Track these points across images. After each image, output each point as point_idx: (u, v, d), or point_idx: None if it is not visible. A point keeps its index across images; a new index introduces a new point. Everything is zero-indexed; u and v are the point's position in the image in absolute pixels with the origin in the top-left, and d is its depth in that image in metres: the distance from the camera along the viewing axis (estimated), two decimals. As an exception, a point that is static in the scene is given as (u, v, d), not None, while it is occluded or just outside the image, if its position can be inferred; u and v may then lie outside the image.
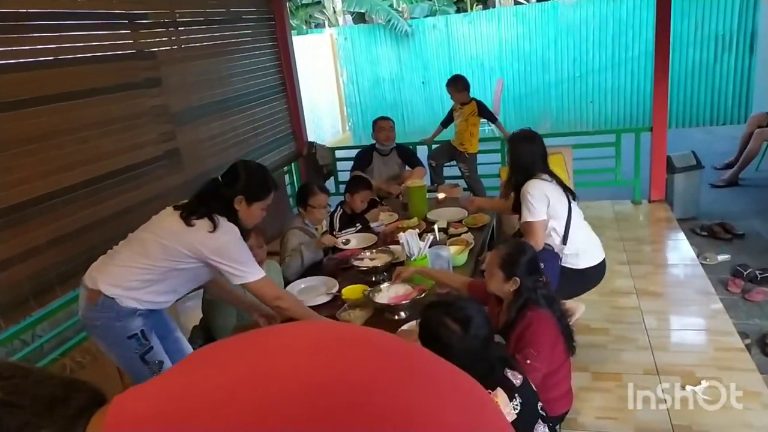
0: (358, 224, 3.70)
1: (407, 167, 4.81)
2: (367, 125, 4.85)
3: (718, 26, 8.52)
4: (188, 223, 2.12)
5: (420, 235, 3.04)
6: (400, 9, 11.29)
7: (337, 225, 3.79)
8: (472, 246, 3.14)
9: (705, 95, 8.85)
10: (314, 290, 2.87)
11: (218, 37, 4.62)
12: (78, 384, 0.78)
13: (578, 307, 3.06)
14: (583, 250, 2.83)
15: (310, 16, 12.55)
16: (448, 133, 5.61)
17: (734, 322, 3.18)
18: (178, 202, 2.27)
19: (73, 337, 2.99)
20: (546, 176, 2.78)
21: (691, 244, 4.25)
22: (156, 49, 3.78)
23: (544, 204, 2.71)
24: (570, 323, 2.24)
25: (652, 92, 5.14)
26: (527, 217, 2.72)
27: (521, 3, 11.79)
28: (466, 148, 5.29)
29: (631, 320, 3.26)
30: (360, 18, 12.35)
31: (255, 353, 0.76)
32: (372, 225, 3.70)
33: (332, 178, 6.06)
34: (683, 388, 2.61)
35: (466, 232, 3.36)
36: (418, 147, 5.65)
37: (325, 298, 2.76)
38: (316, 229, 3.59)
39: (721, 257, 4.09)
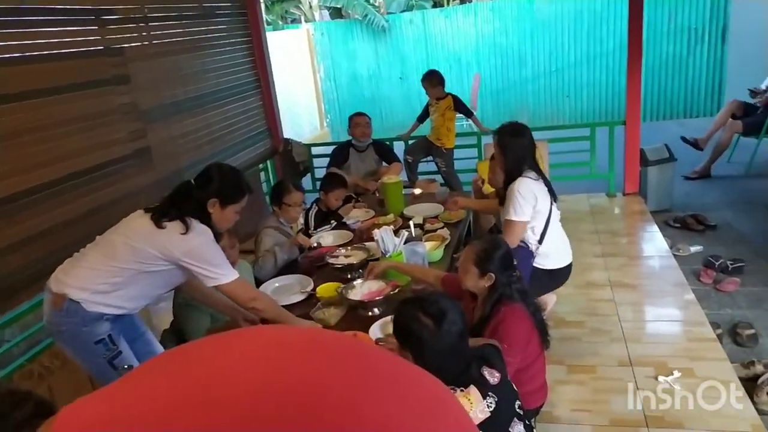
0: (332, 221, 3.67)
1: (384, 163, 4.79)
2: (346, 121, 4.81)
3: (691, 19, 8.63)
4: (159, 225, 2.08)
5: (396, 232, 3.03)
6: (376, 4, 11.24)
7: (312, 223, 3.76)
8: (448, 242, 3.14)
9: (678, 88, 8.97)
10: (289, 289, 2.85)
11: (190, 32, 4.53)
12: (22, 396, 0.75)
13: (550, 299, 3.09)
14: (555, 251, 2.85)
15: (286, 11, 12.42)
16: (425, 129, 5.60)
17: (706, 313, 3.22)
18: (148, 201, 2.24)
19: (43, 341, 2.92)
20: (533, 174, 2.76)
21: (665, 236, 4.30)
22: (125, 46, 3.70)
23: (530, 205, 2.71)
24: (544, 317, 2.25)
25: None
26: (511, 215, 2.72)
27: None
28: (444, 143, 5.29)
29: (605, 312, 3.29)
30: (336, 13, 12.28)
31: (206, 359, 0.74)
32: (347, 222, 3.68)
33: (309, 175, 6.01)
34: (656, 378, 2.64)
35: (442, 228, 3.36)
36: (395, 142, 5.64)
37: (299, 297, 2.73)
38: (291, 228, 3.56)
39: (694, 248, 4.15)
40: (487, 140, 5.26)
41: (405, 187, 4.17)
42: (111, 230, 2.19)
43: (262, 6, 5.98)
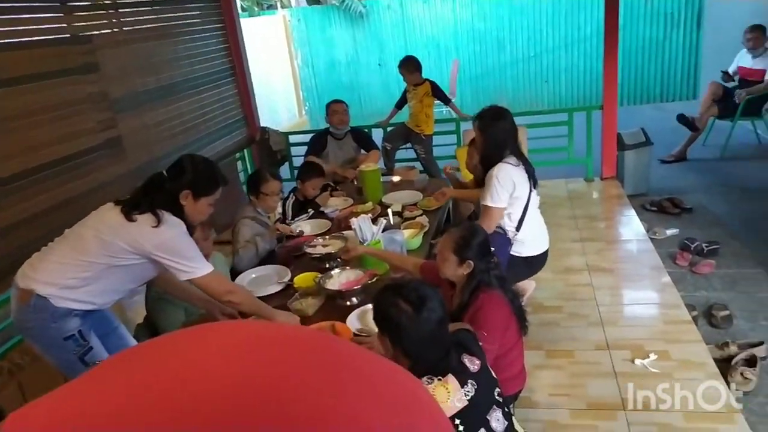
0: (309, 210, 3.63)
1: (362, 151, 4.75)
2: (324, 109, 4.75)
3: (667, 3, 8.66)
4: (129, 218, 2.03)
5: (374, 220, 3.01)
6: (354, -11, 11.10)
7: (289, 213, 3.72)
8: (426, 229, 3.13)
9: (654, 72, 9.02)
10: (266, 280, 2.81)
11: (162, 19, 4.43)
12: None
13: (529, 286, 3.10)
14: (531, 238, 2.85)
15: (262, -3, 12.22)
16: (403, 116, 5.56)
17: (682, 295, 3.26)
18: (121, 193, 2.19)
19: (14, 337, 2.85)
20: (514, 159, 2.74)
21: (641, 219, 4.34)
22: (93, 33, 3.60)
23: (508, 192, 2.69)
24: (522, 303, 2.25)
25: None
26: (488, 201, 2.71)
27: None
28: (423, 130, 5.26)
29: (583, 297, 3.31)
30: (314, -1, 12.11)
31: (166, 356, 0.70)
32: (326, 210, 3.64)
33: (287, 164, 5.94)
34: (633, 361, 2.67)
35: (421, 215, 3.34)
36: (374, 130, 5.60)
37: (276, 288, 2.70)
38: (269, 218, 3.51)
39: (670, 232, 4.19)
40: (466, 126, 5.26)
41: (383, 174, 4.14)
42: (80, 223, 2.13)
43: (237, -9, 5.88)
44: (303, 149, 4.88)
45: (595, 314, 3.12)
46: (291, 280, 2.70)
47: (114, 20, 3.85)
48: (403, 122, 5.43)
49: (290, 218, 3.68)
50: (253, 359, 0.69)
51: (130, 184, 2.25)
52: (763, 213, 4.34)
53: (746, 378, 2.52)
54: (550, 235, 2.98)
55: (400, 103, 5.50)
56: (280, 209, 3.72)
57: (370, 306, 2.00)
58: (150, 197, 2.08)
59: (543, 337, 2.93)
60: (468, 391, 1.61)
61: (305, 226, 3.43)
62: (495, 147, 2.76)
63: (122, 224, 2.02)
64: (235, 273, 2.97)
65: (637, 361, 2.65)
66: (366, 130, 5.13)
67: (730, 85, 5.79)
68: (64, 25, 3.39)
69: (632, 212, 4.49)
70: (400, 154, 5.64)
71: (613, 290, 3.40)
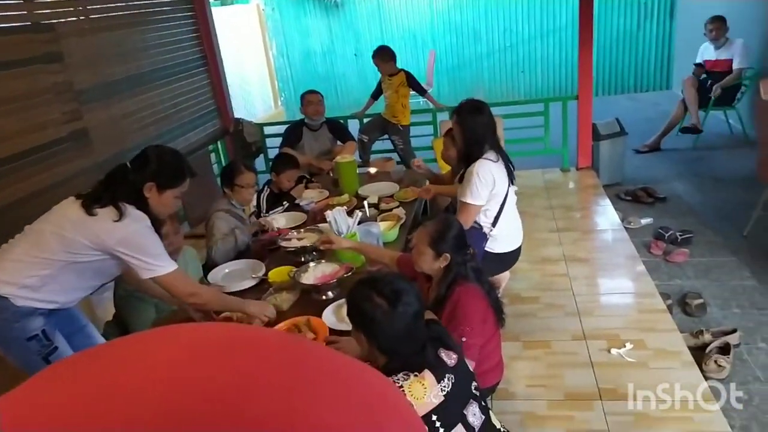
0: (284, 202, 3.57)
1: (338, 142, 4.68)
2: (300, 100, 4.66)
3: (640, -7, 8.74)
4: (90, 212, 1.94)
5: (350, 212, 2.96)
6: (329, -22, 10.96)
7: (264, 206, 3.64)
8: (403, 221, 3.09)
9: (629, 62, 9.10)
10: (240, 274, 2.75)
11: (129, 7, 4.30)
12: None
13: (503, 277, 3.09)
14: (506, 235, 2.82)
15: (236, -15, 11.99)
16: (379, 107, 5.51)
17: (657, 284, 3.29)
18: (87, 187, 2.08)
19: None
20: (494, 155, 2.71)
21: (616, 209, 4.37)
22: (55, 21, 3.47)
23: (488, 189, 2.66)
24: (499, 295, 2.23)
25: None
26: (467, 198, 2.67)
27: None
28: (399, 120, 5.22)
29: (560, 287, 3.32)
30: (288, -12, 11.92)
31: (129, 357, 0.66)
32: (301, 203, 3.58)
33: (262, 155, 5.85)
34: (609, 351, 2.68)
35: (398, 207, 3.31)
36: (350, 121, 5.54)
37: (250, 283, 2.65)
38: (244, 210, 3.44)
39: (644, 221, 4.23)
40: (443, 117, 5.24)
41: (360, 166, 4.09)
42: (40, 219, 2.04)
43: (208, -21, 5.72)
44: (278, 141, 4.80)
45: (572, 304, 3.13)
46: (265, 274, 2.65)
47: (79, 8, 3.72)
48: (380, 113, 5.37)
49: (265, 211, 3.61)
50: (218, 361, 0.66)
51: (97, 177, 2.15)
52: (735, 202, 4.40)
53: (720, 366, 2.55)
54: (527, 226, 2.97)
55: (376, 94, 5.43)
56: (254, 202, 3.65)
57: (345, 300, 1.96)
58: (112, 190, 1.99)
59: (520, 328, 2.92)
60: (445, 386, 1.58)
61: (280, 219, 3.36)
62: (474, 141, 2.72)
63: (82, 219, 1.94)
64: (209, 267, 2.90)
65: (614, 351, 2.66)
66: (342, 122, 5.06)
67: (702, 77, 5.84)
68: (25, 12, 3.26)
69: (607, 202, 4.52)
70: (377, 145, 5.59)
71: (589, 280, 3.42)
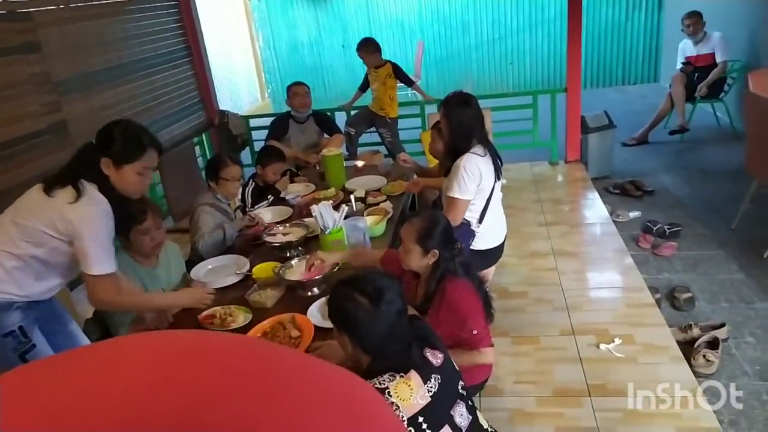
0: (269, 196, 3.51)
1: (325, 135, 4.62)
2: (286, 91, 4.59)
3: (629, -15, 8.72)
4: (49, 195, 1.84)
5: (337, 206, 2.91)
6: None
7: (249, 200, 3.58)
8: (390, 215, 3.04)
9: (617, 55, 9.10)
10: (223, 270, 2.69)
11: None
12: None
13: (488, 273, 3.05)
14: (490, 232, 2.77)
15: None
16: (366, 99, 5.45)
17: (645, 278, 3.28)
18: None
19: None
20: (481, 149, 2.65)
21: (605, 202, 4.36)
22: (32, 10, 3.36)
23: (475, 183, 2.60)
24: (487, 290, 2.20)
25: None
26: (455, 193, 2.61)
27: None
28: (387, 113, 5.16)
29: (548, 282, 3.30)
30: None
31: (78, 372, 0.61)
32: (286, 197, 3.52)
33: (248, 148, 5.77)
34: (597, 346, 2.66)
35: (385, 201, 3.26)
36: (337, 113, 5.47)
37: (234, 279, 2.59)
38: (229, 204, 3.37)
39: (633, 214, 4.22)
40: (431, 110, 5.18)
41: (347, 159, 4.03)
42: (5, 211, 1.96)
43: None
44: (264, 133, 4.73)
45: (560, 299, 3.10)
46: (250, 270, 2.59)
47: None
48: (366, 106, 5.31)
49: (250, 205, 3.55)
50: (181, 372, 0.62)
51: None
52: (722, 194, 4.40)
53: (709, 360, 2.54)
54: (516, 220, 2.94)
55: (364, 86, 5.37)
56: (239, 196, 3.59)
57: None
58: (75, 170, 1.87)
59: (508, 323, 2.90)
60: (431, 387, 1.54)
61: (265, 213, 3.30)
62: (461, 135, 2.67)
63: (40, 203, 1.84)
64: (194, 262, 2.84)
65: (602, 346, 2.64)
66: (329, 114, 4.99)
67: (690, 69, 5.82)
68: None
69: (596, 195, 4.51)
70: (364, 138, 5.53)
71: (577, 274, 3.40)
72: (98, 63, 3.90)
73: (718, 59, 5.52)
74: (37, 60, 3.31)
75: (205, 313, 2.31)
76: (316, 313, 2.21)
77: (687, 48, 5.78)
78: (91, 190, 1.87)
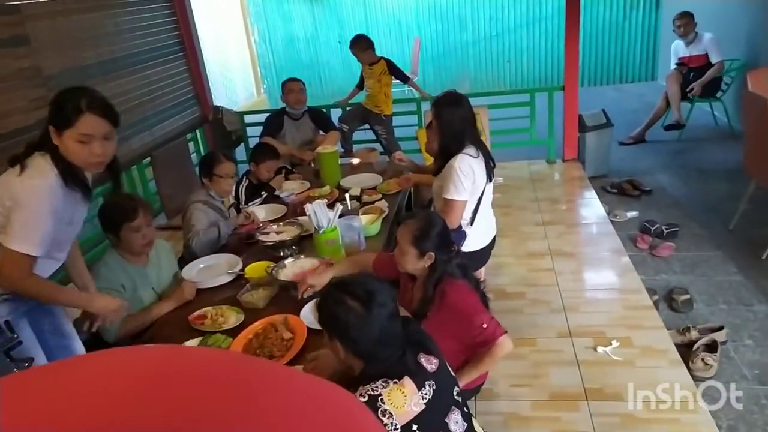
0: (263, 193, 3.46)
1: (321, 132, 4.57)
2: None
3: (627, -17, 8.68)
4: (2, 173, 1.77)
5: (331, 204, 2.87)
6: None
7: (242, 197, 3.53)
8: (386, 214, 3.00)
9: (614, 53, 9.06)
10: (215, 269, 2.64)
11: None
12: None
13: (479, 273, 3.01)
14: (479, 234, 2.71)
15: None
16: (360, 95, 5.40)
17: (643, 279, 3.25)
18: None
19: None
20: (473, 150, 2.60)
21: (602, 201, 4.32)
22: (21, 3, 3.29)
23: (470, 182, 2.55)
24: (484, 291, 2.15)
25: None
26: (452, 194, 2.55)
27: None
28: (382, 110, 5.11)
29: (545, 283, 3.26)
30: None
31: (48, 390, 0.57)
32: (281, 194, 3.47)
33: (242, 145, 5.71)
34: (595, 349, 2.62)
35: (380, 200, 3.21)
36: (333, 110, 5.42)
37: (226, 278, 2.54)
38: (223, 202, 3.32)
39: (630, 214, 4.19)
40: (427, 107, 5.13)
41: (342, 156, 3.98)
42: None
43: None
44: (259, 130, 4.68)
45: (558, 300, 3.07)
46: (242, 269, 2.54)
47: (48, -11, 3.55)
48: (360, 103, 5.27)
49: (243, 203, 3.50)
50: (152, 392, 0.58)
51: None
52: (720, 194, 4.37)
53: (707, 364, 2.51)
54: (513, 219, 2.90)
55: (361, 83, 5.31)
56: (232, 193, 3.54)
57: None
58: (35, 143, 1.78)
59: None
60: (426, 394, 1.50)
61: (259, 211, 3.25)
62: (452, 135, 2.61)
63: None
64: (187, 260, 2.79)
65: (600, 349, 2.61)
66: (324, 110, 4.94)
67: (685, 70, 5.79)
68: (-13, -8, 3.09)
69: (593, 194, 4.47)
70: (360, 135, 5.48)
71: (575, 275, 3.36)
72: (90, 57, 3.83)
73: (713, 60, 5.50)
74: (26, 54, 3.24)
75: (196, 313, 2.27)
76: (309, 315, 2.17)
77: (679, 49, 5.75)
78: (41, 163, 1.76)
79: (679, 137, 5.70)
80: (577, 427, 2.23)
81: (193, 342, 2.05)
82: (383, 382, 1.45)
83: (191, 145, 5.36)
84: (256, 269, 2.52)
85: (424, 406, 1.47)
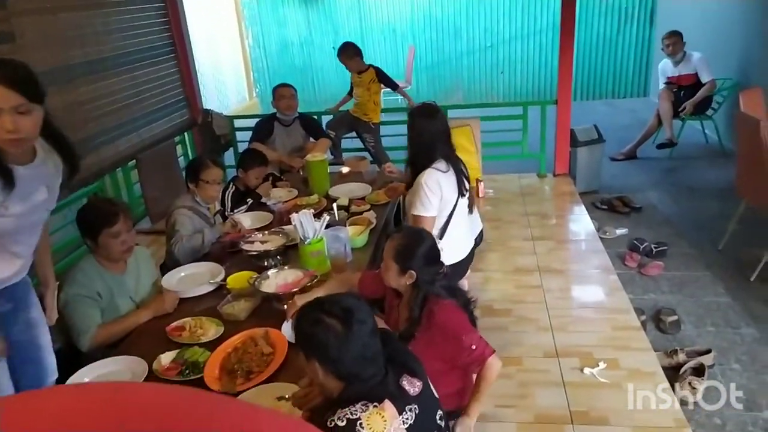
0: (249, 200, 3.40)
1: (311, 138, 4.51)
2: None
3: (621, -2, 8.72)
4: None
5: (319, 214, 2.81)
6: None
7: (228, 204, 3.47)
8: (374, 225, 2.95)
9: (607, 68, 9.10)
10: (197, 278, 2.57)
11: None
12: None
13: (462, 284, 2.96)
14: (454, 248, 2.65)
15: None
16: (348, 103, 5.37)
17: (631, 298, 3.22)
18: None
19: None
20: (443, 165, 2.56)
21: (592, 218, 4.30)
22: (6, -2, 3.22)
23: (437, 198, 2.51)
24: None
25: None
26: (420, 210, 2.52)
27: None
28: (371, 118, 5.08)
29: (533, 300, 3.22)
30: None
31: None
32: (267, 202, 3.41)
33: (231, 149, 5.64)
34: (581, 370, 2.58)
35: (369, 210, 3.16)
36: (323, 116, 5.37)
37: (208, 288, 2.48)
38: (209, 209, 3.25)
39: (620, 231, 4.17)
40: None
41: (332, 164, 3.93)
42: None
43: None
44: (249, 134, 4.61)
45: (545, 318, 3.03)
46: (224, 279, 2.48)
47: (35, -15, 3.48)
48: (348, 110, 5.23)
49: (229, 209, 3.43)
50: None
51: None
52: (710, 213, 4.37)
53: (694, 388, 2.47)
54: (503, 233, 2.85)
55: (352, 91, 5.28)
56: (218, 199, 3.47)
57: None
58: None
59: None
60: (407, 419, 1.44)
61: (245, 219, 3.19)
62: (421, 148, 2.58)
63: None
64: (169, 267, 2.72)
65: (586, 370, 2.57)
66: (315, 117, 4.89)
67: (675, 90, 5.80)
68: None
69: (583, 210, 4.45)
70: (351, 143, 5.44)
71: (563, 293, 3.32)
72: (77, 56, 3.75)
73: (704, 79, 5.52)
74: (11, 51, 3.16)
75: (174, 324, 2.21)
76: (291, 329, 2.11)
77: (668, 68, 5.77)
78: None
79: (670, 155, 5.71)
80: (562, 451, 2.18)
81: (169, 355, 1.98)
82: (363, 405, 1.40)
83: (179, 148, 5.28)
84: (238, 279, 2.45)
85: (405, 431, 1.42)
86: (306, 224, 2.54)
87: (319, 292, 2.17)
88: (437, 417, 1.58)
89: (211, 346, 2.02)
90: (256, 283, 2.32)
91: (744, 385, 2.57)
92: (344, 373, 1.45)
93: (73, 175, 1.94)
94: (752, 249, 3.62)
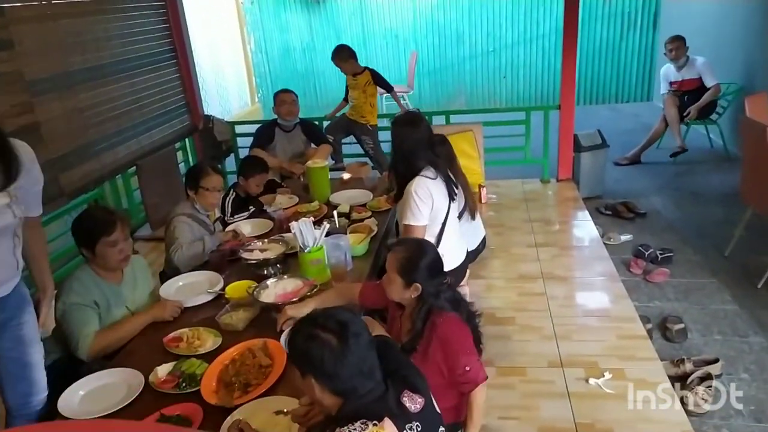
0: (251, 207, 3.36)
1: (312, 144, 4.48)
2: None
3: (624, 2, 8.68)
4: None
5: (319, 221, 2.78)
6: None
7: (228, 210, 3.43)
8: (375, 233, 2.91)
9: (610, 73, 9.05)
10: (196, 288, 2.54)
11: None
12: None
13: (462, 292, 2.91)
14: (448, 254, 2.59)
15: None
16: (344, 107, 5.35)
17: (636, 305, 3.17)
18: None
19: None
20: (431, 172, 2.53)
21: (596, 224, 4.25)
22: (5, 6, 3.20)
23: (428, 207, 2.48)
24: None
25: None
26: (410, 220, 2.48)
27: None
28: (368, 120, 5.07)
29: (536, 308, 3.17)
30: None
31: None
32: (268, 209, 3.38)
33: (232, 155, 5.61)
34: (587, 380, 2.53)
35: (370, 217, 3.12)
36: (323, 122, 5.35)
37: (206, 298, 2.44)
38: (208, 216, 3.22)
39: (624, 237, 4.12)
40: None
41: (332, 169, 3.90)
42: None
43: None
44: (250, 140, 4.59)
45: (549, 327, 2.98)
46: (223, 288, 2.44)
47: (35, -8, 3.47)
48: (344, 114, 5.21)
49: (230, 216, 3.40)
50: None
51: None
52: (714, 219, 4.32)
53: (702, 398, 2.42)
54: (506, 239, 2.81)
55: (348, 95, 5.26)
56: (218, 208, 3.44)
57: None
58: None
59: (495, 351, 2.76)
60: (407, 437, 1.40)
61: (245, 226, 3.16)
62: (402, 155, 2.56)
63: None
64: (168, 276, 2.69)
65: (592, 381, 2.52)
66: (317, 123, 4.86)
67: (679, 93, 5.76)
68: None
69: (587, 216, 4.40)
70: (352, 149, 5.41)
71: (567, 300, 3.27)
72: (77, 63, 3.74)
73: (708, 83, 5.47)
74: (8, 58, 3.15)
75: (171, 335, 2.17)
76: (283, 341, 2.07)
77: (670, 73, 5.73)
78: None
79: (674, 160, 5.65)
80: (567, 464, 2.14)
81: (165, 367, 1.94)
82: (362, 423, 1.36)
83: (179, 154, 5.26)
84: (237, 289, 2.41)
85: (405, 450, 1.37)
86: (306, 232, 2.50)
87: (311, 303, 2.13)
88: (439, 433, 1.53)
89: (209, 357, 1.98)
90: (255, 293, 2.29)
91: (753, 395, 2.52)
92: (341, 388, 1.41)
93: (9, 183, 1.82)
94: (759, 256, 3.58)
